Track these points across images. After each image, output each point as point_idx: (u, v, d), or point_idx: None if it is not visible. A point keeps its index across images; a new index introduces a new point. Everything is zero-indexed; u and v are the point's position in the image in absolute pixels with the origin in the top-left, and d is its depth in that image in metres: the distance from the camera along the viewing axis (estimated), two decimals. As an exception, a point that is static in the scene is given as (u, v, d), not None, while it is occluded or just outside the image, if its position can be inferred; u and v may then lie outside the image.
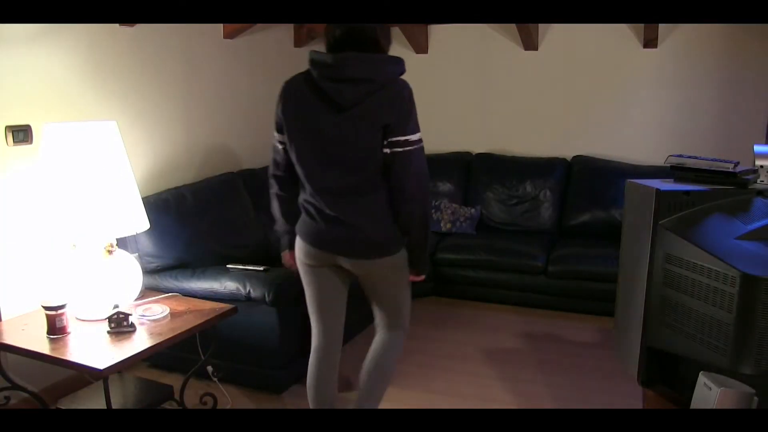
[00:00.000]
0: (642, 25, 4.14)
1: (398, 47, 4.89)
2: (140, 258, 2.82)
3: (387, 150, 1.92)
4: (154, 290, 2.72)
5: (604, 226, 4.05)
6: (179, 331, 2.20)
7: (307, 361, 2.95)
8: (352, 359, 3.16)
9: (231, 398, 2.72)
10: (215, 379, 2.74)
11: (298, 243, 2.11)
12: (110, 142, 2.31)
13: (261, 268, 2.85)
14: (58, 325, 2.16)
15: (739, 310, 1.58)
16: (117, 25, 2.92)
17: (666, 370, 1.96)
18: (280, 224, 2.21)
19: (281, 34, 4.24)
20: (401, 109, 1.91)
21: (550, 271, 3.72)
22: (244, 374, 2.80)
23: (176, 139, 3.36)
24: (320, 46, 4.81)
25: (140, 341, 2.13)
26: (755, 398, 1.59)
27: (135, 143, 3.07)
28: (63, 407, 2.40)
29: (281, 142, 2.04)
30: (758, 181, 1.95)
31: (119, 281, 2.32)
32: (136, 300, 2.47)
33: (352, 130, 1.89)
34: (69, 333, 2.18)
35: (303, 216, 2.08)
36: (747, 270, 1.57)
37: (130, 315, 2.22)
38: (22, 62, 2.50)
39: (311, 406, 2.25)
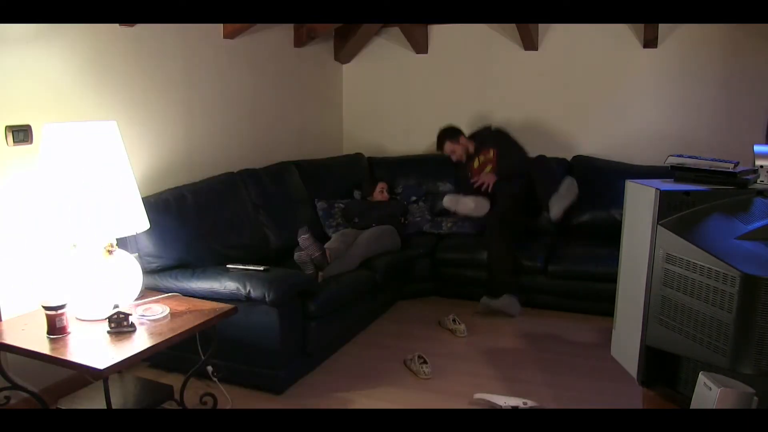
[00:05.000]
0: (642, 25, 4.14)
1: (398, 47, 4.89)
2: (140, 258, 2.82)
3: None
4: (154, 290, 2.72)
5: (604, 226, 4.05)
6: (179, 331, 2.20)
7: (307, 361, 2.96)
8: (351, 358, 3.16)
9: (231, 398, 2.72)
10: (215, 379, 2.73)
11: None
12: (110, 142, 2.30)
13: (261, 268, 2.85)
14: (58, 325, 2.15)
15: (739, 310, 1.58)
16: (117, 25, 2.92)
17: (666, 370, 1.96)
18: None
19: (281, 34, 4.24)
20: None
21: (550, 271, 3.72)
22: (244, 374, 2.80)
23: (176, 139, 3.36)
24: (320, 46, 4.82)
25: (140, 341, 2.12)
26: (755, 398, 1.59)
27: (135, 143, 3.07)
28: (63, 407, 2.40)
29: None
30: (758, 181, 1.95)
31: (119, 281, 2.32)
32: (136, 300, 2.47)
33: None
34: (69, 333, 2.18)
35: None
36: (747, 270, 1.57)
37: (130, 315, 2.22)
38: (22, 62, 2.49)
39: None
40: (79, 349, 2.07)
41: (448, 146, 4.35)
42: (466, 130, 4.57)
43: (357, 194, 4.39)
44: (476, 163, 4.29)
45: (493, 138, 4.32)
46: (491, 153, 4.23)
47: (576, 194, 3.77)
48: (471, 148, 4.35)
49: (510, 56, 4.59)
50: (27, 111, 2.52)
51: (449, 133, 4.38)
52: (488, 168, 4.23)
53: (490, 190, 4.09)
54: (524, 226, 4.05)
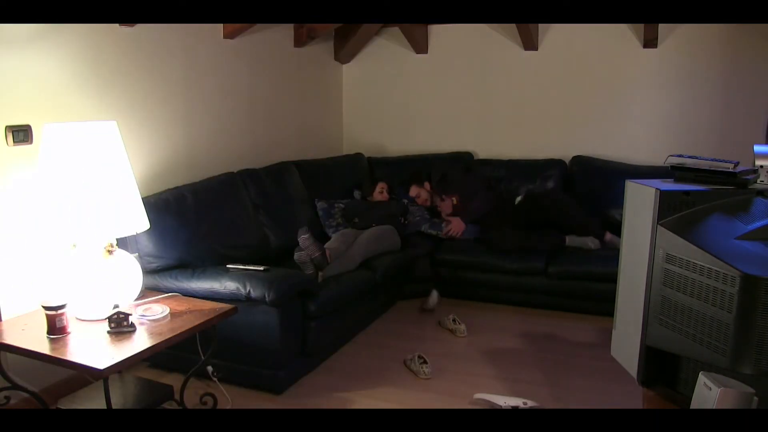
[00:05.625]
0: (642, 25, 4.14)
1: (398, 47, 4.89)
2: (140, 258, 2.82)
3: None
4: (154, 290, 2.72)
5: (604, 226, 4.04)
6: (179, 331, 2.20)
7: (307, 361, 2.96)
8: (351, 358, 3.16)
9: (231, 398, 2.72)
10: (215, 379, 2.74)
11: None
12: (110, 142, 2.30)
13: (261, 268, 2.85)
14: (58, 325, 2.15)
15: (739, 310, 1.58)
16: (117, 25, 2.92)
17: (666, 370, 1.96)
18: None
19: (281, 34, 4.24)
20: None
21: (551, 272, 3.72)
22: (244, 374, 2.80)
23: (176, 139, 3.36)
24: (320, 46, 4.82)
25: (140, 341, 2.12)
26: (755, 398, 1.59)
27: (135, 143, 3.07)
28: (63, 407, 2.40)
29: None
30: (758, 181, 1.95)
31: (119, 281, 2.32)
32: (136, 300, 2.47)
33: None
34: (69, 333, 2.18)
35: None
36: (747, 270, 1.57)
37: (130, 315, 2.22)
38: (23, 62, 2.50)
39: None
40: (79, 349, 2.07)
41: (414, 189, 4.38)
42: (467, 132, 4.57)
43: (357, 194, 4.39)
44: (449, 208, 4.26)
45: (454, 184, 4.33)
46: (455, 200, 4.24)
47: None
48: (435, 197, 4.36)
49: (510, 56, 4.60)
50: (27, 111, 2.52)
51: (415, 177, 4.43)
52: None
53: (459, 236, 4.08)
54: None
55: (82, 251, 2.31)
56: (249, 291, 2.66)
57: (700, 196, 1.88)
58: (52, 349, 2.07)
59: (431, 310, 3.73)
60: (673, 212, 1.87)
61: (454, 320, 3.51)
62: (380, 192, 4.31)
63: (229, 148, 3.80)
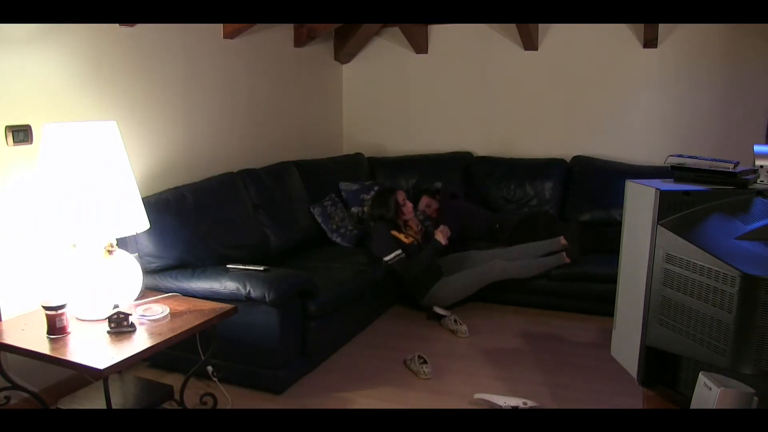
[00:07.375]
0: (642, 25, 4.14)
1: (398, 47, 4.89)
2: (140, 258, 2.82)
3: None
4: (154, 290, 2.72)
5: (604, 226, 4.05)
6: (179, 331, 2.20)
7: (307, 361, 2.96)
8: (351, 358, 3.16)
9: (231, 398, 2.72)
10: (215, 379, 2.73)
11: None
12: (110, 142, 2.30)
13: (261, 268, 2.85)
14: (58, 325, 2.15)
15: (739, 310, 1.58)
16: (117, 25, 2.92)
17: (666, 370, 1.96)
18: None
19: (281, 34, 4.24)
20: None
21: (552, 273, 3.71)
22: (244, 374, 2.80)
23: (176, 139, 3.36)
24: (320, 46, 4.81)
25: (140, 341, 2.12)
26: (755, 398, 1.59)
27: (135, 143, 3.07)
28: (63, 407, 2.40)
29: None
30: (758, 181, 1.95)
31: (119, 281, 2.32)
32: (136, 300, 2.47)
33: None
34: (69, 333, 2.18)
35: None
36: (747, 270, 1.57)
37: (130, 315, 2.22)
38: (22, 62, 2.49)
39: None
40: (79, 349, 2.07)
41: (425, 200, 4.21)
42: (466, 132, 4.56)
43: (357, 211, 4.16)
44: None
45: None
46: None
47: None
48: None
49: (510, 56, 4.60)
50: (27, 111, 2.52)
51: (426, 190, 4.32)
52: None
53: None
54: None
55: (82, 251, 2.31)
56: (249, 291, 2.66)
57: (700, 196, 1.88)
58: (52, 349, 2.07)
59: (443, 315, 3.64)
60: (673, 212, 1.87)
61: (455, 321, 3.50)
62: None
63: (229, 148, 3.80)
